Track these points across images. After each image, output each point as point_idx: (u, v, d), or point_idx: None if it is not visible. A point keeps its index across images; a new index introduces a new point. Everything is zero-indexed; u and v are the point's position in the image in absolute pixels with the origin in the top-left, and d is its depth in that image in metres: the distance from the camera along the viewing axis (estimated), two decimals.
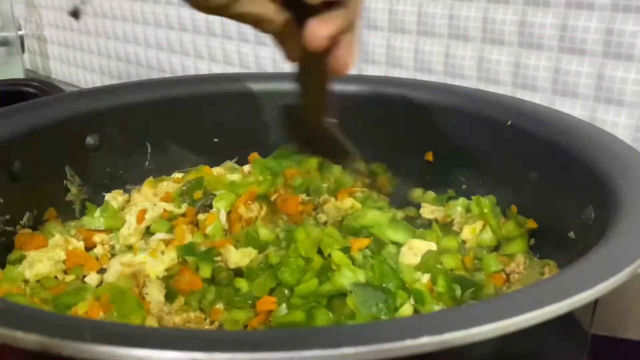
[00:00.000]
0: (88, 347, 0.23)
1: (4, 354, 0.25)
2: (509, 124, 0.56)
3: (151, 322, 0.43)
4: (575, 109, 0.63)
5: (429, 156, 0.64)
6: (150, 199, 0.59)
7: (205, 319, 0.45)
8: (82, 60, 1.30)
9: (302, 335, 0.24)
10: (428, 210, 0.59)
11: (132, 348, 0.23)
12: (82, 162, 0.60)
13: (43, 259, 0.50)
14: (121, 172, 0.64)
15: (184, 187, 0.60)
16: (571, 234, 0.46)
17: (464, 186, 0.61)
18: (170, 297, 0.46)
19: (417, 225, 0.58)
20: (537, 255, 0.51)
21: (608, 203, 0.39)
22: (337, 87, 0.66)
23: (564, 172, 0.48)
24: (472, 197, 0.57)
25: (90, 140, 0.60)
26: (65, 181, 0.58)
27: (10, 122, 0.53)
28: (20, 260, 0.51)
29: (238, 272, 0.49)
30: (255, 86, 0.69)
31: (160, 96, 0.65)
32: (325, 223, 0.57)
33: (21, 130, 0.54)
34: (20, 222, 0.54)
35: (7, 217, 0.52)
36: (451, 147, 0.62)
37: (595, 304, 0.32)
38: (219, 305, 0.46)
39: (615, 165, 0.42)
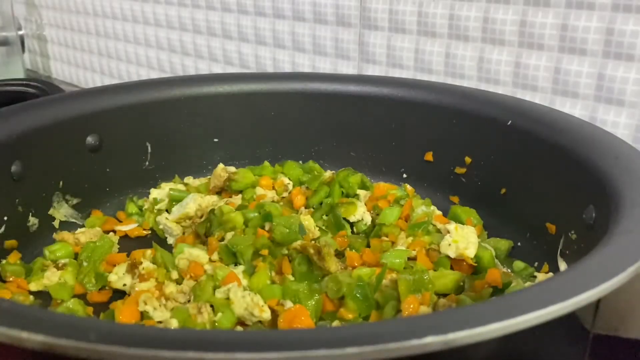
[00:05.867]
0: (92, 347, 0.23)
1: (8, 354, 0.25)
2: (509, 123, 0.56)
3: None
4: (575, 109, 0.63)
5: (429, 156, 0.64)
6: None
7: None
8: (82, 60, 1.30)
9: (307, 334, 0.24)
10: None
11: (136, 348, 0.23)
12: (82, 162, 0.60)
13: None
14: (121, 172, 0.64)
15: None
16: (572, 234, 0.46)
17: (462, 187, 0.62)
18: None
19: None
20: (536, 262, 0.51)
21: (609, 203, 0.39)
22: (338, 87, 0.68)
23: (565, 172, 0.48)
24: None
25: (90, 140, 0.60)
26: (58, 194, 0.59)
27: (10, 122, 0.53)
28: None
29: None
30: (255, 86, 0.69)
31: (161, 96, 0.65)
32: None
33: (21, 130, 0.54)
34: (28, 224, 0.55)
35: (5, 218, 0.52)
36: (451, 147, 0.62)
37: (597, 303, 0.32)
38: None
39: (617, 165, 0.42)
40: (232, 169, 0.65)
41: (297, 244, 0.51)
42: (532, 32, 0.64)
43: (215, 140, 0.69)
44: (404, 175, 0.67)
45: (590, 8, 0.60)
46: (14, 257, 0.51)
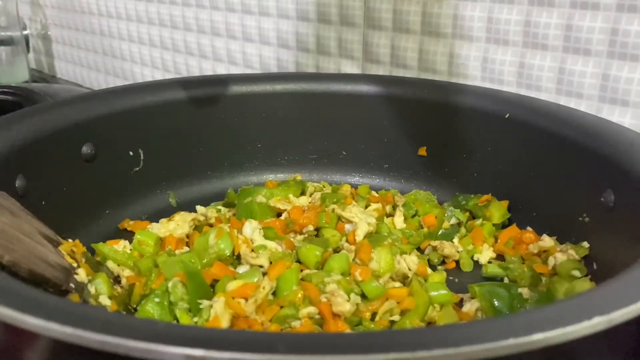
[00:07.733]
0: (99, 338, 0.23)
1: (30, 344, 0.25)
2: (506, 117, 0.57)
3: None
4: (579, 109, 0.63)
5: (427, 153, 0.65)
6: None
7: None
8: (87, 59, 1.31)
9: (330, 339, 0.24)
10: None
11: (142, 342, 0.23)
12: (77, 172, 0.56)
13: None
14: (117, 181, 0.61)
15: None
16: (584, 218, 0.48)
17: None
18: None
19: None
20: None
21: (629, 186, 0.40)
22: (342, 86, 0.68)
23: (578, 158, 0.49)
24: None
25: (85, 149, 0.57)
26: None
27: (11, 133, 0.49)
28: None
29: None
30: (256, 87, 0.68)
31: (157, 100, 0.63)
32: None
33: (22, 141, 0.49)
34: None
35: None
36: (452, 145, 0.63)
37: None
38: None
39: (633, 151, 0.43)
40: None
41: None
42: (536, 32, 0.64)
43: (217, 143, 0.67)
44: (408, 175, 0.67)
45: (594, 8, 0.60)
46: None
